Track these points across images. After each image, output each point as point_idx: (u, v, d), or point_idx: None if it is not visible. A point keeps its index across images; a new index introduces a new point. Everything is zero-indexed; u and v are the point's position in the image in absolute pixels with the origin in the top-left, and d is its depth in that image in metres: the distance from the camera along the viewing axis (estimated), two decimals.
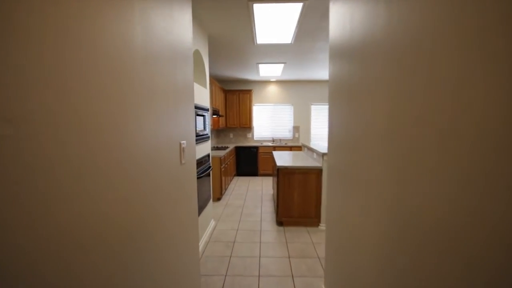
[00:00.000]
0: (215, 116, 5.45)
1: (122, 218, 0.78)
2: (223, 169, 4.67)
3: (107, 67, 0.70)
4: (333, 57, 1.51)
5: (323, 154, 3.21)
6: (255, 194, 4.95)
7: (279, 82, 6.99)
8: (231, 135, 7.17)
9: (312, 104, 7.02)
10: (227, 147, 5.73)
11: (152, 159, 0.98)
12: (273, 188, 4.73)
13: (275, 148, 6.53)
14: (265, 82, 7.00)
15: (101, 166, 0.67)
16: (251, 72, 5.74)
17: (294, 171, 3.32)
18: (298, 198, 3.36)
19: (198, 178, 2.66)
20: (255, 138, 7.16)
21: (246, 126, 6.79)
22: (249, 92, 6.69)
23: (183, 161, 1.33)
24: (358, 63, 1.10)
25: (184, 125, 1.38)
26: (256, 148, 6.55)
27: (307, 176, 3.32)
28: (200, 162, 2.85)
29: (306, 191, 3.35)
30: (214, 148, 5.53)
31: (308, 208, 3.37)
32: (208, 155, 3.28)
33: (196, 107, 2.65)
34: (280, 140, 7.10)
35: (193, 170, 1.60)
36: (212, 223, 3.43)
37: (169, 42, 1.14)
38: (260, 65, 4.99)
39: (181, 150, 1.31)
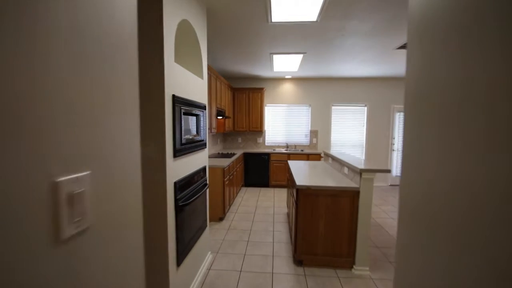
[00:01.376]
0: (221, 117, 4.64)
1: None
2: (227, 182, 3.84)
3: None
4: (426, 34, 0.64)
5: (361, 171, 2.31)
6: (265, 212, 4.08)
7: (295, 79, 6.11)
8: (240, 140, 6.34)
9: (333, 105, 6.10)
10: (234, 154, 4.91)
11: None
12: (287, 206, 3.86)
13: (289, 156, 5.64)
14: (279, 80, 6.15)
15: None
16: (264, 67, 4.91)
17: (319, 192, 2.44)
18: (324, 229, 2.47)
19: (185, 204, 1.83)
20: (266, 144, 6.30)
21: (257, 129, 5.94)
22: (260, 90, 5.85)
23: (68, 231, 0.48)
24: None
25: (83, 136, 0.53)
26: (268, 155, 5.69)
27: (337, 200, 2.43)
28: (190, 180, 2.02)
29: (336, 221, 2.45)
30: (219, 155, 4.72)
31: (338, 243, 2.47)
32: (204, 169, 2.45)
33: (184, 102, 1.83)
34: (295, 146, 6.21)
35: (134, 247, 0.75)
36: (209, 258, 2.59)
37: None
38: (275, 57, 4.14)
39: (60, 202, 0.45)
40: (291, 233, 2.98)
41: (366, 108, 6.04)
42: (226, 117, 4.82)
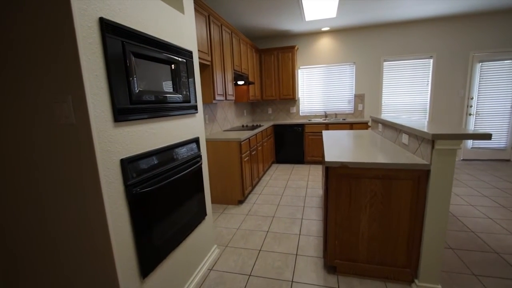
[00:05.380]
0: (242, 83, 3.92)
1: None
2: (246, 158, 3.20)
3: None
4: None
5: (434, 138, 1.40)
6: (296, 194, 3.38)
7: (334, 32, 4.95)
8: (270, 111, 5.58)
9: (385, 61, 4.83)
10: (259, 126, 4.20)
11: None
12: (322, 187, 3.08)
13: (328, 126, 4.71)
14: (314, 34, 5.05)
15: None
16: (292, 15, 3.93)
17: (362, 172, 1.62)
18: (369, 226, 1.67)
19: (146, 192, 1.24)
20: (301, 114, 5.42)
21: (288, 97, 5.08)
22: (291, 49, 4.88)
23: None
24: None
25: None
26: (302, 126, 4.84)
27: (391, 184, 1.59)
28: (160, 157, 1.41)
29: (388, 214, 1.62)
30: (244, 128, 4.07)
31: (390, 246, 1.66)
32: (196, 141, 1.82)
33: (134, 36, 1.15)
34: (336, 115, 5.20)
35: None
36: (214, 253, 2.05)
37: None
38: None
39: None
40: (324, 224, 2.25)
41: (431, 60, 4.63)
42: (250, 83, 4.07)
